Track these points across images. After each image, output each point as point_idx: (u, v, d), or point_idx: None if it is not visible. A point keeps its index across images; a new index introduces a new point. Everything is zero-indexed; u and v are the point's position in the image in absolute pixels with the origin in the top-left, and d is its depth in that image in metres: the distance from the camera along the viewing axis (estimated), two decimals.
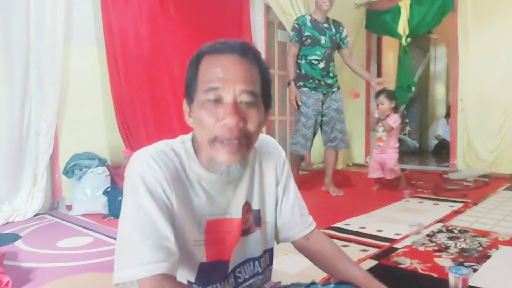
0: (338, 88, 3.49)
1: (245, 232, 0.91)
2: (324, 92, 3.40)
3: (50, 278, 1.70)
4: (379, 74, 5.59)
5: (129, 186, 0.76)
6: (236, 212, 0.88)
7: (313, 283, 0.99)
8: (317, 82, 3.37)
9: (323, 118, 3.45)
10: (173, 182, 0.78)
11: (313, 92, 3.37)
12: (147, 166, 0.76)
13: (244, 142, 0.78)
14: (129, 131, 3.32)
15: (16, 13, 2.77)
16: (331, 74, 3.41)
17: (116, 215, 2.72)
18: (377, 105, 3.40)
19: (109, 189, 2.88)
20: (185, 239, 0.80)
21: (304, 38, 3.34)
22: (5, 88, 2.76)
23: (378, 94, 3.38)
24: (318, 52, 3.35)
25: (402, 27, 4.67)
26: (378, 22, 5.01)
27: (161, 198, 0.76)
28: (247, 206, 0.91)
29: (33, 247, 2.15)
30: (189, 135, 0.87)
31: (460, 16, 4.34)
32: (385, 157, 3.41)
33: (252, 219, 0.92)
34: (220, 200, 0.86)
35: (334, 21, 3.47)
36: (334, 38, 3.40)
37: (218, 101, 0.76)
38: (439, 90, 7.70)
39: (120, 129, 3.29)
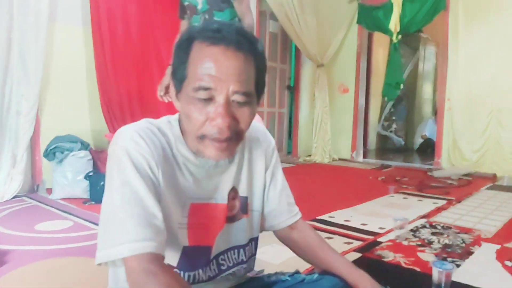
0: None
1: (231, 219, 0.88)
2: None
3: (27, 261, 1.65)
4: (368, 70, 5.59)
5: (114, 162, 0.72)
6: (221, 198, 0.85)
7: (297, 272, 0.97)
8: None
9: None
10: (159, 160, 0.75)
11: None
12: (133, 142, 0.72)
13: (234, 138, 0.76)
14: (113, 115, 3.25)
15: None
16: None
17: (98, 200, 2.66)
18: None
19: (91, 174, 2.81)
20: (170, 221, 0.77)
21: (185, 10, 2.58)
22: None
23: None
24: (196, 24, 2.43)
25: (394, 24, 4.67)
26: (370, 18, 5.01)
27: (148, 175, 0.72)
28: (233, 192, 0.88)
29: (10, 229, 2.09)
30: (176, 116, 0.83)
31: (452, 15, 4.35)
32: None
33: (239, 205, 0.89)
34: (206, 184, 0.83)
35: None
36: None
37: (209, 99, 0.72)
38: (426, 89, 7.78)
39: (104, 113, 3.21)
